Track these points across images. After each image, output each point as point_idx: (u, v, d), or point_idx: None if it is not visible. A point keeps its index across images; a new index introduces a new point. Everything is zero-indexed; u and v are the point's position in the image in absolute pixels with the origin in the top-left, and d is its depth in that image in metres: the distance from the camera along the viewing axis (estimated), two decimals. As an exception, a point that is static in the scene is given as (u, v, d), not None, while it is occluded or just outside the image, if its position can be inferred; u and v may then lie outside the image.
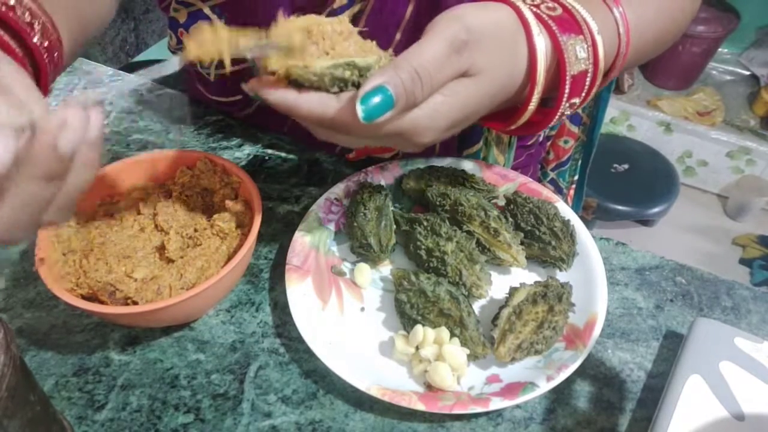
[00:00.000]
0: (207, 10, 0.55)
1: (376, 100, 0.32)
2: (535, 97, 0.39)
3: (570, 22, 0.38)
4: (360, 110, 0.32)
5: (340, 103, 0.34)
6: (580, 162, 0.73)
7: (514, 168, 0.67)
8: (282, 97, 0.34)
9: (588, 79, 0.39)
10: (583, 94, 0.40)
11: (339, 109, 0.34)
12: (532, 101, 0.39)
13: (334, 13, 0.51)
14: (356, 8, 0.51)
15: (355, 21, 0.51)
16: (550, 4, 0.38)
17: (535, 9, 0.38)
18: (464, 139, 0.60)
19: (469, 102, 0.36)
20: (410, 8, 0.50)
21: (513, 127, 0.43)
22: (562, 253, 0.49)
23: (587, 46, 0.38)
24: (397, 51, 0.51)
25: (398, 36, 0.51)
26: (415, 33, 0.50)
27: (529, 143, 0.67)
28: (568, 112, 0.41)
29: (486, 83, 0.36)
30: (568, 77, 0.38)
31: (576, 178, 0.75)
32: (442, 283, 0.46)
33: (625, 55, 0.41)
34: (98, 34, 0.43)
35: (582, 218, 0.52)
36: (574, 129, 0.69)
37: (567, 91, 0.38)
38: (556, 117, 0.40)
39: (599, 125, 0.68)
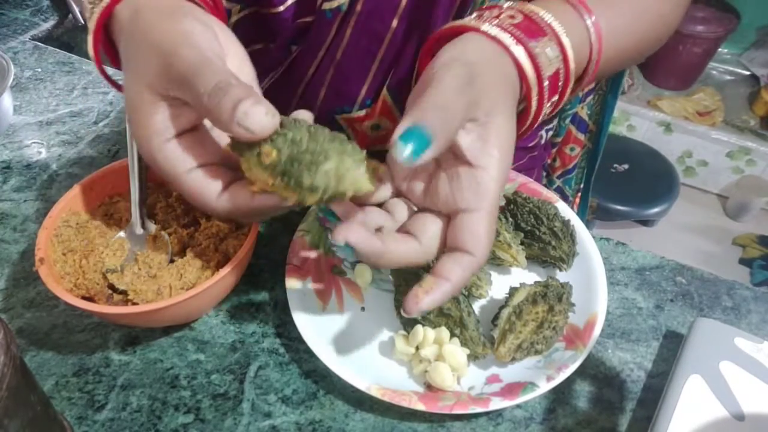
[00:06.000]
0: None
1: (411, 145, 0.31)
2: (534, 100, 0.39)
3: (533, 27, 0.38)
4: (400, 152, 0.30)
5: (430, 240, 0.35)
6: (585, 170, 0.73)
7: (517, 170, 0.67)
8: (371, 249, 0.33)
9: (561, 77, 0.40)
10: (558, 93, 0.40)
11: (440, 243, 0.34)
12: (532, 105, 0.39)
13: None
14: None
15: (350, 8, 0.51)
16: (511, 12, 0.38)
17: (497, 22, 0.37)
18: None
19: (506, 142, 0.35)
20: None
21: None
22: (562, 253, 0.49)
23: (555, 45, 0.39)
24: (395, 38, 0.52)
25: (395, 23, 0.51)
26: (413, 19, 0.50)
27: (530, 144, 0.67)
28: (548, 111, 0.41)
29: (506, 117, 0.35)
30: (544, 79, 0.38)
31: (581, 186, 0.75)
32: (442, 283, 0.46)
33: (597, 62, 0.42)
34: None
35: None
36: (581, 136, 0.69)
37: (546, 92, 0.39)
38: (540, 117, 0.41)
39: (605, 132, 0.68)
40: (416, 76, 0.52)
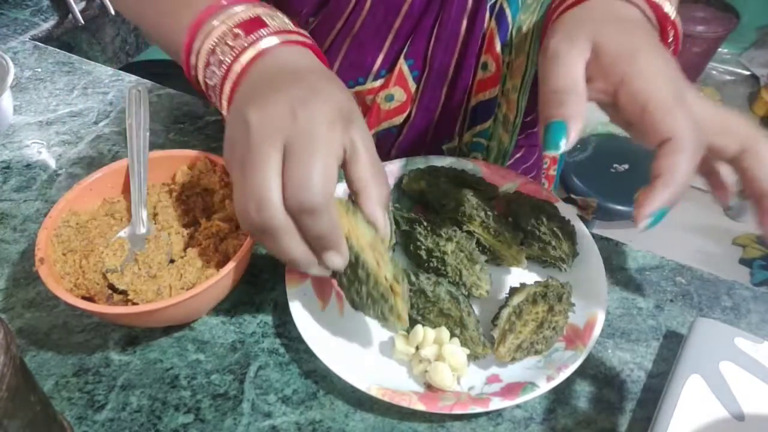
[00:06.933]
0: None
1: (553, 133, 0.36)
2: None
3: None
4: (548, 150, 0.37)
5: None
6: None
7: (518, 148, 0.67)
8: None
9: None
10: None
11: None
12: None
13: None
14: None
15: None
16: None
17: None
18: (476, 116, 0.60)
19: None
20: None
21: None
22: (562, 253, 0.49)
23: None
24: (413, 9, 0.53)
25: None
26: None
27: (528, 119, 0.67)
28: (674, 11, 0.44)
29: (612, 27, 0.38)
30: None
31: None
32: (442, 283, 0.46)
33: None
34: None
35: (582, 218, 0.52)
36: None
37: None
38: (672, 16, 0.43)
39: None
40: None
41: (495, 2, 0.53)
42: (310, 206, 0.33)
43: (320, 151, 0.33)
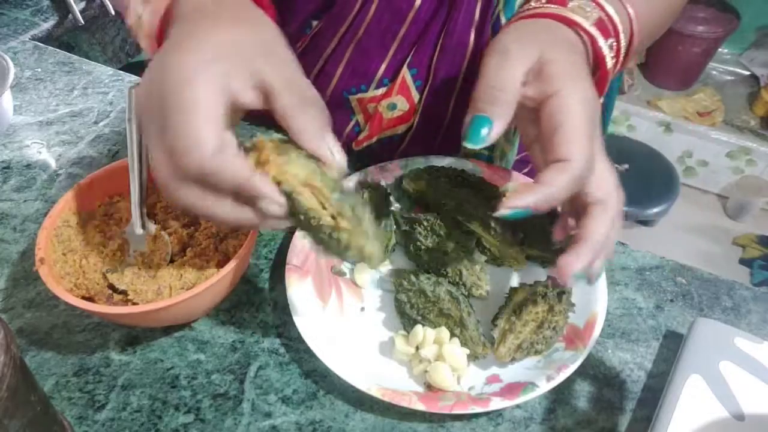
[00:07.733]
0: None
1: (476, 127, 0.37)
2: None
3: (605, 25, 0.42)
4: (468, 142, 0.37)
5: None
6: None
7: (525, 161, 0.67)
8: None
9: (607, 23, 0.43)
10: (612, 35, 0.44)
11: None
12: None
13: None
14: None
15: None
16: (589, 6, 0.42)
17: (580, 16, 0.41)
18: None
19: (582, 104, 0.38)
20: None
21: None
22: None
23: (614, 42, 0.43)
24: (418, 16, 0.53)
25: (418, 1, 0.52)
26: None
27: None
28: (612, 56, 0.44)
29: (560, 52, 0.38)
30: (587, 25, 0.41)
31: None
32: (442, 283, 0.46)
33: (631, 45, 0.45)
34: None
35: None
36: None
37: (599, 33, 0.42)
38: (607, 62, 0.43)
39: (605, 129, 0.68)
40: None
41: (493, 13, 0.52)
42: (198, 170, 0.31)
43: (180, 114, 0.31)
